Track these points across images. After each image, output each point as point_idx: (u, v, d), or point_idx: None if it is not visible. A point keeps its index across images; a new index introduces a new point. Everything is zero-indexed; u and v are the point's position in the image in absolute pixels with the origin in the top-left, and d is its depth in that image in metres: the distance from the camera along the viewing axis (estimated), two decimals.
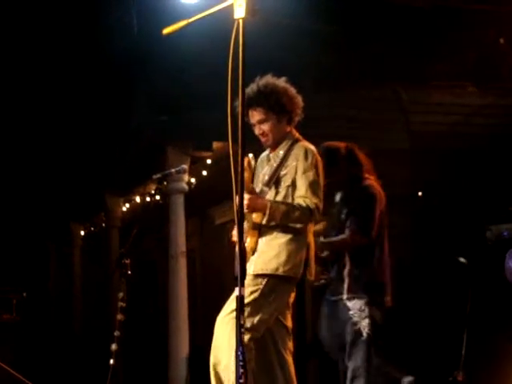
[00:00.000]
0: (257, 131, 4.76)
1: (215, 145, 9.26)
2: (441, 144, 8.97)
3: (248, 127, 4.69)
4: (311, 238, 4.73)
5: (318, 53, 8.54)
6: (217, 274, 11.59)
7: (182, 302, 9.28)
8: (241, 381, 3.18)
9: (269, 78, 4.73)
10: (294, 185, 4.62)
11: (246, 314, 4.45)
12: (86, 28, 9.27)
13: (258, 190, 4.72)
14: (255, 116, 4.71)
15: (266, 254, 4.59)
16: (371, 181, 5.75)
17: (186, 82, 8.86)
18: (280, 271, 4.57)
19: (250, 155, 4.64)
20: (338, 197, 5.85)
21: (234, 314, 3.43)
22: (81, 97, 10.72)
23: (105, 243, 12.97)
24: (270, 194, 4.66)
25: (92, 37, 9.38)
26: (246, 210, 4.47)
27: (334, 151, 5.73)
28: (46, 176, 13.15)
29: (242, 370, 3.19)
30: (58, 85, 10.48)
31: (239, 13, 3.37)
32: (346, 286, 5.56)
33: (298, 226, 4.61)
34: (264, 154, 4.89)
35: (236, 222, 3.39)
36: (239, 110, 3.45)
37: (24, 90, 10.53)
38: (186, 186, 9.42)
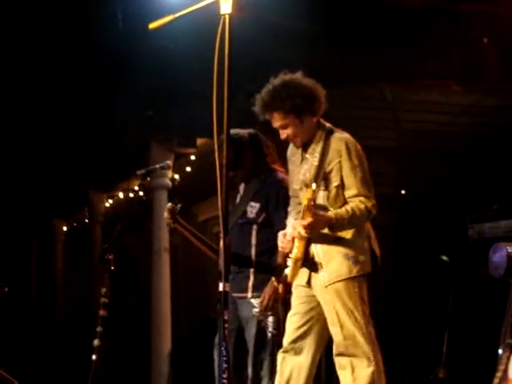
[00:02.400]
0: (282, 136, 4.52)
1: (199, 141, 9.26)
2: (426, 142, 9.00)
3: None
4: (369, 227, 4.55)
5: (305, 51, 8.53)
6: (200, 271, 11.58)
7: (164, 297, 9.28)
8: (224, 376, 3.18)
9: (284, 78, 4.49)
10: (342, 183, 4.43)
11: (362, 322, 4.41)
12: (71, 23, 9.23)
13: (297, 187, 4.56)
14: (275, 121, 4.48)
15: (335, 261, 4.42)
16: (281, 173, 5.26)
17: (171, 78, 8.84)
18: (354, 272, 4.41)
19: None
20: (241, 189, 5.43)
21: None
22: (64, 92, 10.66)
23: (88, 239, 12.94)
24: (321, 195, 4.44)
25: (77, 32, 9.34)
26: (311, 232, 4.32)
27: (238, 141, 5.21)
28: (29, 171, 13.08)
29: (225, 366, 3.19)
30: (40, 80, 10.41)
31: (225, 8, 3.36)
32: (250, 283, 5.27)
33: None
34: (294, 147, 4.64)
35: (221, 219, 3.37)
36: (225, 107, 3.41)
37: (4, 84, 10.46)
38: (169, 182, 9.41)
